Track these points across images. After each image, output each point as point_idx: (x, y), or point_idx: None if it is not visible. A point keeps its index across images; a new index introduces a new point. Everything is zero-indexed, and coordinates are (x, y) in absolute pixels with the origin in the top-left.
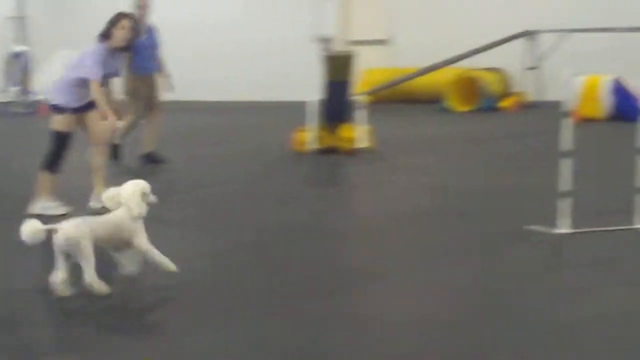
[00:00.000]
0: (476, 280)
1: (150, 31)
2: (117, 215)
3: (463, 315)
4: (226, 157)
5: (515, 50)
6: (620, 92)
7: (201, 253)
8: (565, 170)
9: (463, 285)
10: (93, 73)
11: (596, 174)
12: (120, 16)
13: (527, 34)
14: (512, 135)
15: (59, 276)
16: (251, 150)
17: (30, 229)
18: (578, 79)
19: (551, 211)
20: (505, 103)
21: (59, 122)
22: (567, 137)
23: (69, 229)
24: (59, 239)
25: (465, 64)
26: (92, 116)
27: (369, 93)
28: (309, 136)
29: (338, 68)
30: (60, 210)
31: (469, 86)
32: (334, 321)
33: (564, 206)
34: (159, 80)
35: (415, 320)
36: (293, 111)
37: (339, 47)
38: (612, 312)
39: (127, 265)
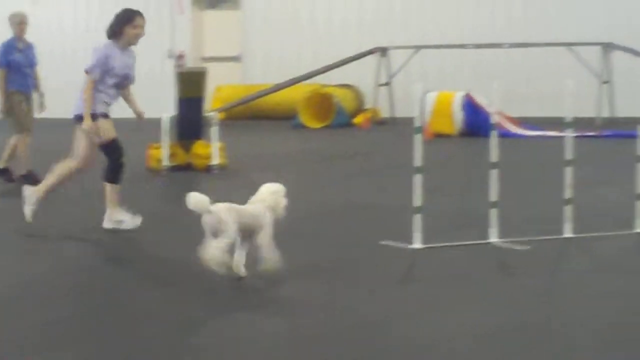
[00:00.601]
0: (330, 296)
1: (28, 48)
2: (256, 208)
3: (310, 332)
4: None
5: (368, 67)
6: (471, 107)
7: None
8: (418, 185)
9: (317, 302)
10: (89, 67)
11: (450, 189)
12: (134, 13)
13: (379, 51)
14: (365, 152)
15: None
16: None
17: (196, 199)
18: (430, 95)
19: (406, 227)
20: (358, 119)
21: (105, 130)
22: (418, 153)
23: (222, 211)
24: (211, 218)
25: (318, 80)
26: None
27: (223, 110)
28: (163, 153)
29: (191, 85)
30: (131, 225)
31: (323, 103)
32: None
33: (418, 221)
34: (35, 98)
35: (264, 338)
36: (147, 128)
37: (191, 64)
38: (464, 328)
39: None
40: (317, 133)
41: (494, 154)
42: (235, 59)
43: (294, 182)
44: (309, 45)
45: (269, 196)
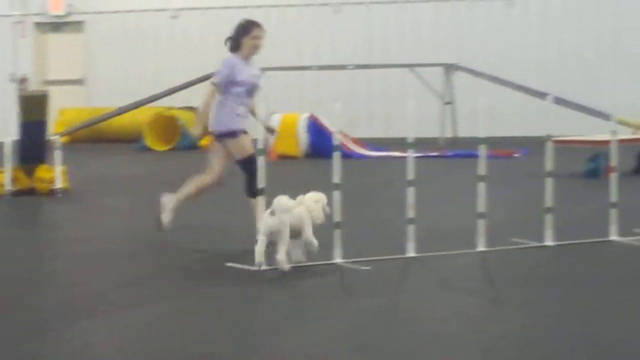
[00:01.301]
0: (174, 319)
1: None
2: (300, 211)
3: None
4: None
5: None
6: (315, 129)
7: None
8: (261, 207)
9: (159, 325)
10: (216, 77)
11: None
12: (251, 24)
13: None
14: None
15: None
16: None
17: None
18: (274, 117)
19: (251, 249)
20: (204, 142)
21: (241, 147)
22: (262, 174)
23: (276, 217)
24: (272, 220)
25: (163, 103)
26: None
27: (66, 133)
28: (5, 178)
29: (33, 108)
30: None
31: (168, 125)
32: None
33: (262, 243)
34: None
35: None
36: None
37: (34, 87)
38: (303, 349)
39: (296, 253)
40: (163, 156)
41: (336, 175)
42: (79, 82)
43: (136, 205)
44: (153, 67)
45: (312, 203)
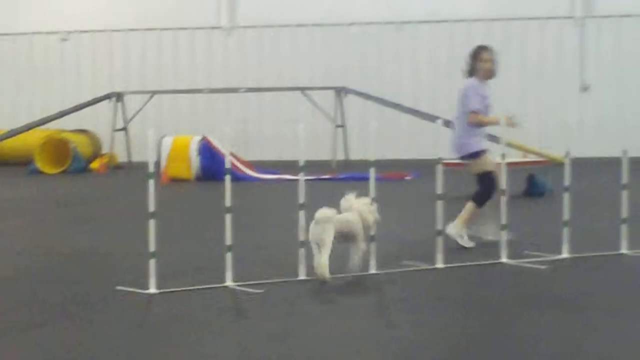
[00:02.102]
0: (65, 342)
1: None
2: (348, 216)
3: None
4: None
5: (104, 112)
6: (207, 151)
7: None
8: (152, 230)
9: (49, 350)
10: (470, 104)
11: (186, 233)
12: (479, 49)
13: (115, 96)
14: (102, 197)
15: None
16: None
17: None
18: (166, 139)
19: (141, 272)
20: (95, 164)
21: (484, 164)
22: (152, 198)
23: (318, 224)
24: (316, 228)
25: (54, 125)
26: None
27: None
28: None
29: None
30: (468, 244)
31: (59, 148)
32: None
33: (153, 266)
34: None
35: None
36: None
37: None
38: None
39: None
40: (54, 179)
41: (227, 198)
42: None
43: (26, 228)
44: (44, 90)
45: (363, 206)
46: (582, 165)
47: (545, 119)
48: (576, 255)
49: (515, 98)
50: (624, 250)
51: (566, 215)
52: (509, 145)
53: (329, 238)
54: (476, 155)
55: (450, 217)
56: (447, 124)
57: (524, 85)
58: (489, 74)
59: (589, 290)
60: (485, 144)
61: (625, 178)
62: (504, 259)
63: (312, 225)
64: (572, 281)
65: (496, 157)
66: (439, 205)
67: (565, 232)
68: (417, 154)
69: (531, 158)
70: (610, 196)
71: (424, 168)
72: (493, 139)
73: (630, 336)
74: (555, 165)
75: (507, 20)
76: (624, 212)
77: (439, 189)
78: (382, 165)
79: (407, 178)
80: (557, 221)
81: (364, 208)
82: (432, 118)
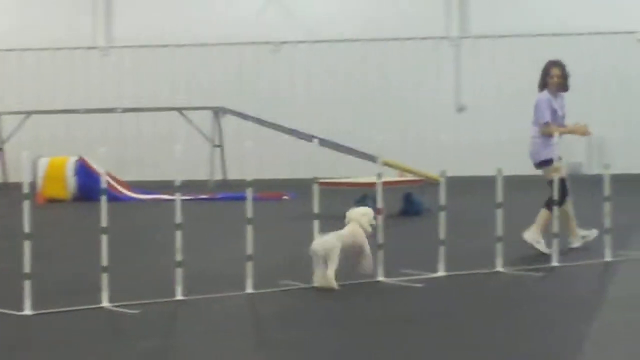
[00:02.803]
0: None
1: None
2: (351, 229)
3: None
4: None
5: None
6: (84, 172)
7: None
8: (27, 251)
9: None
10: (543, 117)
11: (62, 254)
12: (548, 65)
13: None
14: None
15: (318, 274)
16: None
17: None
18: (42, 160)
19: (16, 293)
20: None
21: (555, 172)
22: (27, 218)
23: (327, 241)
24: (318, 246)
25: None
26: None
27: None
28: None
29: None
30: (544, 249)
31: None
32: None
33: (28, 287)
34: None
35: None
36: None
37: None
38: None
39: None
40: None
41: (104, 219)
42: None
43: None
44: None
45: (360, 216)
46: (458, 184)
47: (421, 138)
48: (452, 273)
49: (392, 117)
50: (499, 268)
51: (442, 233)
52: (386, 164)
53: (336, 255)
54: (548, 162)
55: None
56: (324, 143)
57: (401, 104)
58: (559, 88)
59: (465, 308)
60: (557, 152)
61: (499, 197)
62: (380, 278)
63: (317, 241)
64: (448, 299)
65: (372, 177)
66: (315, 224)
67: (442, 251)
68: (294, 173)
69: (408, 177)
70: (485, 215)
71: (301, 188)
72: (369, 158)
73: (506, 350)
74: (431, 185)
75: (384, 41)
76: (499, 231)
77: (315, 209)
78: (259, 185)
79: (285, 198)
80: (434, 240)
81: (361, 218)
82: (309, 137)
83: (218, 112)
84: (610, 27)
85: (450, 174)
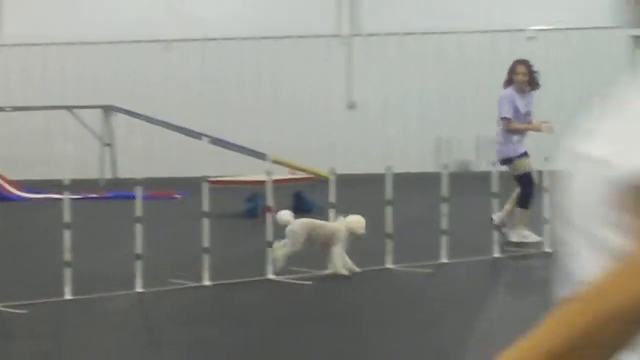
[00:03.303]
0: None
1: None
2: (334, 225)
3: None
4: None
5: None
6: None
7: None
8: None
9: None
10: (501, 112)
11: None
12: (515, 63)
13: None
14: None
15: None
16: None
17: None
18: None
19: None
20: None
21: (520, 167)
22: None
23: (295, 224)
24: (289, 228)
25: None
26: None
27: None
28: None
29: None
30: (535, 238)
31: None
32: None
33: None
34: None
35: None
36: None
37: None
38: None
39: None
40: None
41: None
42: None
43: None
44: None
45: (354, 222)
46: (348, 182)
47: (312, 135)
48: None
49: (283, 115)
50: (389, 265)
51: None
52: (276, 162)
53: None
54: (511, 160)
55: (219, 235)
56: (214, 141)
57: (292, 102)
58: (525, 85)
59: (355, 304)
60: (522, 148)
61: (389, 194)
62: (270, 276)
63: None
64: (337, 296)
65: (263, 175)
66: (205, 223)
67: None
68: (186, 172)
69: (298, 175)
70: (375, 212)
71: (192, 186)
72: (259, 155)
73: (394, 348)
74: (321, 182)
75: (276, 39)
76: (388, 228)
77: (205, 207)
78: (150, 183)
79: (177, 196)
80: None
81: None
82: (198, 136)
83: (108, 110)
84: (501, 25)
85: (340, 171)
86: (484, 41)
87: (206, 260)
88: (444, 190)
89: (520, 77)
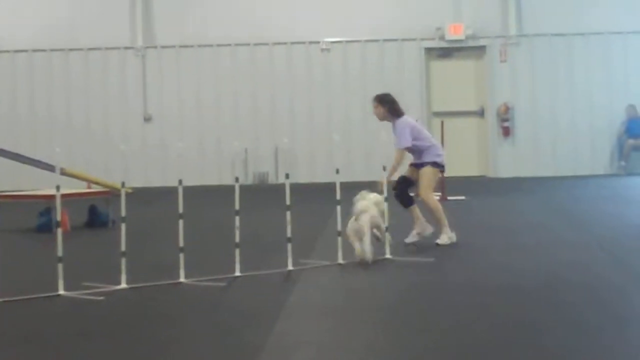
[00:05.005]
0: None
1: None
2: (373, 210)
3: None
4: None
5: None
6: None
7: None
8: None
9: None
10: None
11: None
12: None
13: None
14: None
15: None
16: None
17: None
18: None
19: None
20: None
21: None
22: None
23: (364, 220)
24: (354, 224)
25: None
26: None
27: None
28: None
29: None
30: (453, 238)
31: None
32: None
33: None
34: None
35: None
36: None
37: None
38: None
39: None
40: None
41: None
42: None
43: None
44: None
45: (378, 201)
46: (145, 195)
47: (108, 148)
48: (135, 285)
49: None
50: (182, 279)
51: (124, 245)
52: (66, 174)
53: (367, 228)
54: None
55: (10, 250)
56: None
57: (91, 114)
58: (383, 118)
59: (146, 320)
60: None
61: (181, 207)
62: (62, 291)
63: (350, 222)
64: (129, 312)
65: (52, 189)
66: None
67: (124, 263)
68: None
69: (94, 188)
70: (169, 225)
71: None
72: (48, 167)
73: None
74: (117, 195)
75: (67, 51)
76: (181, 241)
77: None
78: None
79: None
80: (117, 251)
81: (375, 202)
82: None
83: None
84: (297, 37)
85: (137, 184)
86: (281, 52)
87: None
88: (237, 203)
89: (374, 111)
